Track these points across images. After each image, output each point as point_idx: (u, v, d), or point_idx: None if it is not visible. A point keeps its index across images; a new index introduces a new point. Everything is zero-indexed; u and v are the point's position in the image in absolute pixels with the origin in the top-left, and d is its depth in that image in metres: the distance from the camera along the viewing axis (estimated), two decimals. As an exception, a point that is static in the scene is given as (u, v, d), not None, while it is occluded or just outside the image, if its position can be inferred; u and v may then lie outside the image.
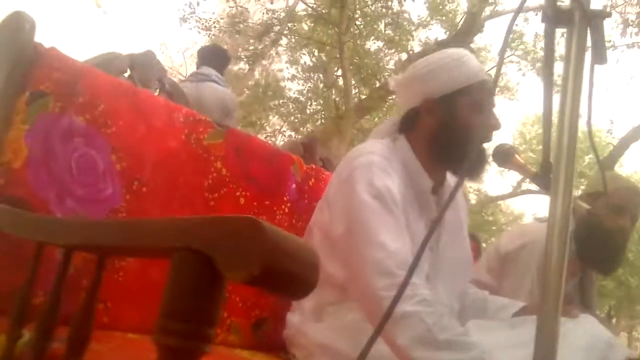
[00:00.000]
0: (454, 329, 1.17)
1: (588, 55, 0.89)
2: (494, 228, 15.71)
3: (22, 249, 1.04)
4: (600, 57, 0.89)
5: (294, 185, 1.65)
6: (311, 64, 12.71)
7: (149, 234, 0.62)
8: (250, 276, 0.49)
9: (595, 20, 0.87)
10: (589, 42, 0.88)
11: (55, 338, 0.81)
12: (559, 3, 0.90)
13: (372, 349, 1.14)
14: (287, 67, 13.50)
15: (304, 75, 13.10)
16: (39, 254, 0.84)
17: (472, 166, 1.39)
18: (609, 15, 0.87)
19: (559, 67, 0.97)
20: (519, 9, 1.11)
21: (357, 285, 1.28)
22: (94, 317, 0.74)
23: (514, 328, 1.33)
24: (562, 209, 0.83)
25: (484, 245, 2.47)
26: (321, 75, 12.54)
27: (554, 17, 0.90)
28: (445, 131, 1.40)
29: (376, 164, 1.33)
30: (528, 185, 14.96)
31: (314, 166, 1.76)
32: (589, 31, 0.87)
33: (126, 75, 1.40)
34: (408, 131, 1.47)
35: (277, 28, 11.40)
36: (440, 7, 10.02)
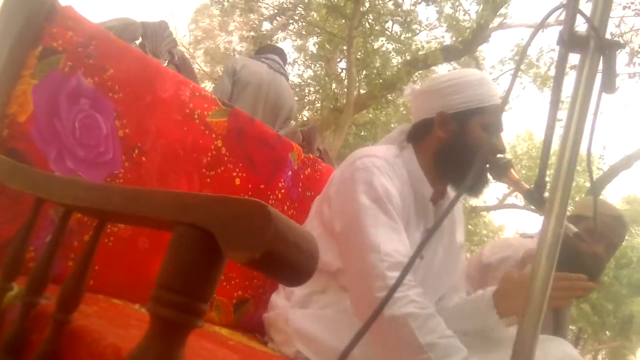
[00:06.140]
0: (440, 331, 1.19)
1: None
2: (475, 238, 15.95)
3: (19, 204, 1.05)
4: (609, 86, 0.91)
5: (290, 173, 1.66)
6: (315, 52, 12.65)
7: (153, 205, 0.62)
8: (251, 259, 0.50)
9: (609, 49, 0.89)
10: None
11: (43, 295, 0.82)
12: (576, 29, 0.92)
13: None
14: (291, 52, 13.43)
15: (306, 62, 13.04)
16: (37, 209, 0.84)
17: (473, 184, 1.43)
18: (624, 46, 0.89)
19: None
20: (538, 28, 1.13)
21: (352, 285, 1.32)
22: (87, 278, 0.75)
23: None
24: (554, 229, 0.86)
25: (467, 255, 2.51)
26: (323, 64, 12.48)
27: (569, 42, 0.91)
28: (454, 146, 1.44)
29: (378, 167, 1.36)
30: (513, 199, 15.11)
31: (311, 156, 1.77)
32: (601, 60, 0.89)
33: (138, 42, 1.39)
34: (417, 140, 1.51)
35: (289, 13, 11.31)
36: (454, 22, 9.99)
